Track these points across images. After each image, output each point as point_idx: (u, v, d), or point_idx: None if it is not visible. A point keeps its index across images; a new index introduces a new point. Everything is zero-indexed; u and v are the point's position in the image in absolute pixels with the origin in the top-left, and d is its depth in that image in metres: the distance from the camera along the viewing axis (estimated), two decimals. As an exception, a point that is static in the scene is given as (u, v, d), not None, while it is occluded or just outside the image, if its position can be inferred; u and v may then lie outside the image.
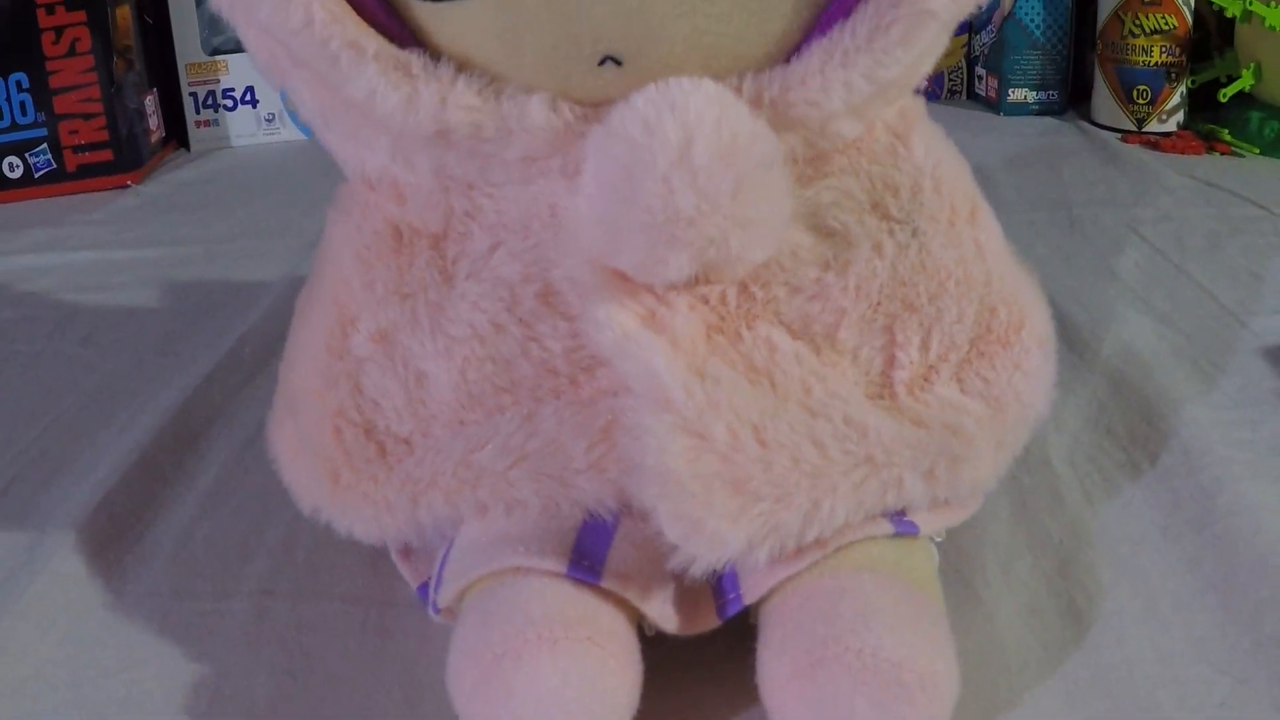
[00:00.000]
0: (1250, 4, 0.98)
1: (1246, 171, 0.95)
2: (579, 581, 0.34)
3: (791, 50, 0.34)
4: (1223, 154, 1.00)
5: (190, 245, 0.85)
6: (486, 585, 0.35)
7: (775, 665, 0.33)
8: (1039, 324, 0.42)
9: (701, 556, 0.33)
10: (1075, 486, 0.50)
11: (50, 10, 1.01)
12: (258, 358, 0.63)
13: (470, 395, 0.37)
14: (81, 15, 1.01)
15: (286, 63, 0.36)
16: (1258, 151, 0.99)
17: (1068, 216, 0.82)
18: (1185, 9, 1.02)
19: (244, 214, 0.91)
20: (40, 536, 0.50)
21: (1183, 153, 1.00)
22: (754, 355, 0.35)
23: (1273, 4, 0.97)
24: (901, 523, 0.36)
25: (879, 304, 0.37)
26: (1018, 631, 0.41)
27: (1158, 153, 1.00)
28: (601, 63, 0.33)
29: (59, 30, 1.01)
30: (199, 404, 0.59)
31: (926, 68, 0.39)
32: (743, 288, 0.35)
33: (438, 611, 0.38)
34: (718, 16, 0.32)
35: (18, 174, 1.04)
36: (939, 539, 0.40)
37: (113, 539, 0.50)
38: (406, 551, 0.41)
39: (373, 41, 0.33)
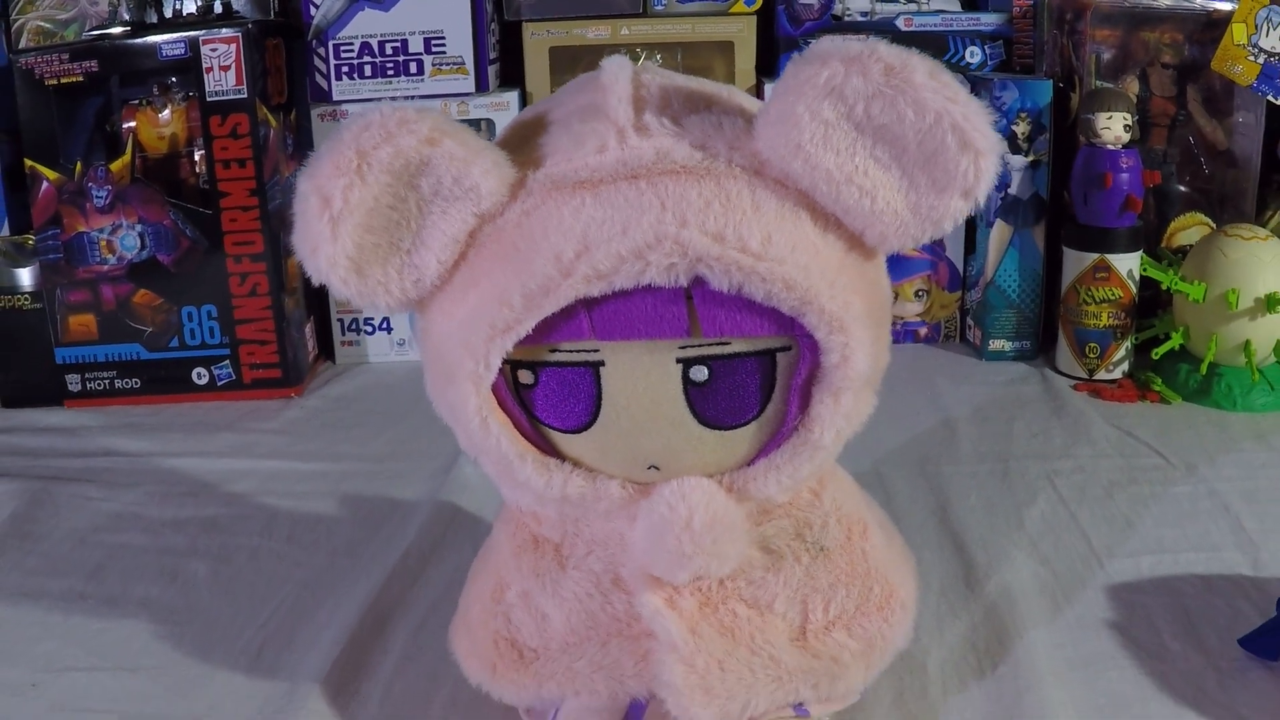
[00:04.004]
0: (1175, 284, 1.34)
1: (1165, 420, 1.30)
2: (627, 734, 0.70)
3: (750, 460, 0.69)
4: (1152, 402, 1.35)
5: (352, 462, 1.24)
6: (578, 733, 0.71)
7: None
8: (904, 593, 0.76)
9: (689, 725, 0.69)
10: (939, 684, 0.84)
11: (238, 260, 1.40)
12: (418, 567, 1.01)
13: (572, 629, 0.73)
14: (262, 266, 1.40)
15: (473, 452, 0.71)
16: (1180, 399, 1.34)
17: (1003, 469, 1.18)
18: (1130, 282, 1.38)
19: (388, 436, 1.30)
20: (293, 685, 0.86)
21: (1120, 401, 1.35)
22: (724, 619, 0.70)
23: (1194, 281, 1.32)
24: (800, 709, 0.71)
25: (797, 590, 0.72)
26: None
27: (1099, 401, 1.35)
28: (649, 468, 0.68)
29: (244, 275, 1.40)
30: (383, 598, 0.96)
31: (847, 438, 0.72)
32: (720, 581, 0.71)
33: (547, 744, 0.74)
34: (707, 451, 0.68)
35: (204, 381, 1.43)
36: (827, 719, 0.75)
37: (340, 688, 0.85)
38: (530, 711, 0.77)
39: (530, 452, 0.68)
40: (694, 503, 0.67)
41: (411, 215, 0.65)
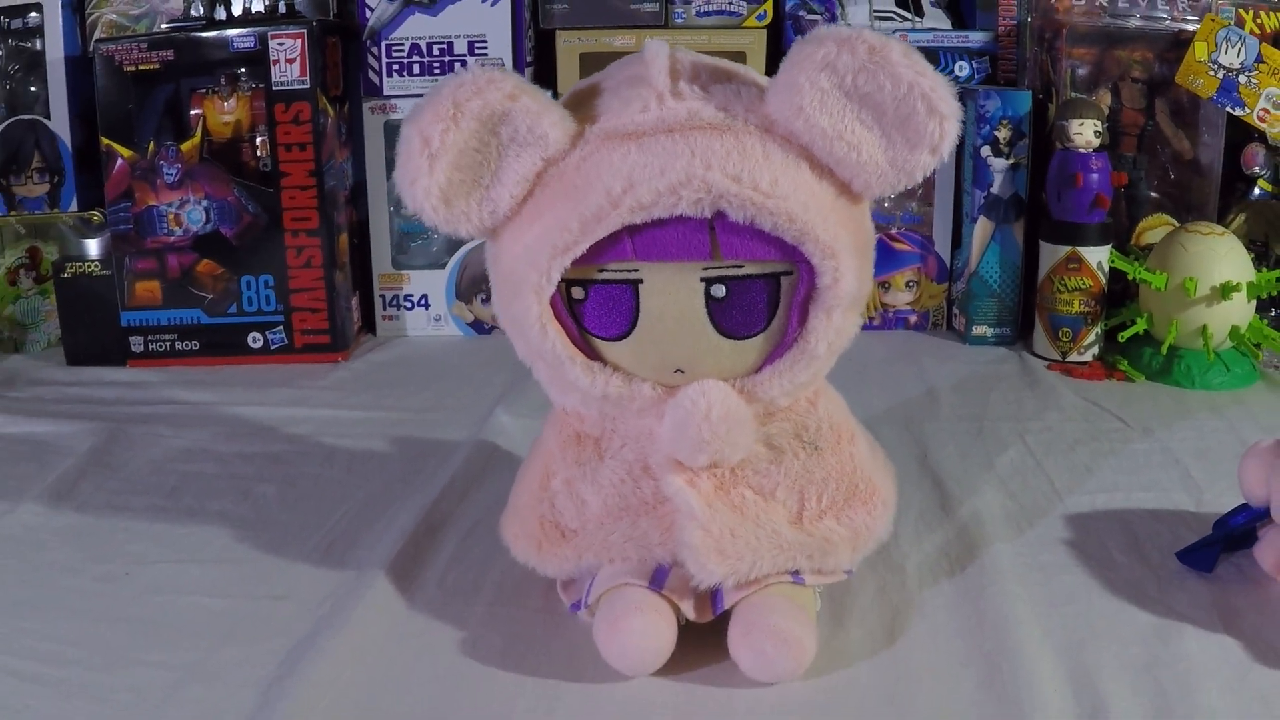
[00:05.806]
0: (1139, 274, 1.51)
1: (1129, 394, 1.46)
2: (653, 590, 0.86)
3: (757, 368, 0.86)
4: (1119, 380, 1.51)
5: (398, 412, 1.41)
6: (612, 592, 0.87)
7: (734, 631, 0.85)
8: (885, 492, 0.92)
9: (704, 582, 0.85)
10: (915, 580, 1.00)
11: (295, 234, 1.57)
12: (464, 490, 1.17)
13: (607, 511, 0.89)
14: (317, 241, 1.57)
15: (530, 358, 0.88)
16: (1143, 378, 1.50)
17: (978, 428, 1.34)
18: (1100, 273, 1.55)
19: (430, 393, 1.48)
20: (360, 573, 1.01)
21: (1089, 379, 1.51)
22: (735, 500, 0.87)
23: (1156, 271, 1.49)
24: (796, 577, 0.88)
25: (795, 481, 0.89)
26: (859, 643, 0.91)
27: (1069, 379, 1.52)
28: (675, 371, 0.85)
29: (299, 249, 1.57)
30: (435, 513, 1.12)
31: (838, 353, 0.89)
32: (732, 469, 0.87)
33: (582, 610, 0.89)
34: (724, 358, 0.84)
35: (258, 345, 1.60)
36: (820, 590, 0.92)
37: (402, 576, 1.01)
38: (566, 584, 0.93)
39: (578, 356, 0.85)
40: (712, 399, 0.84)
41: (492, 157, 0.82)
